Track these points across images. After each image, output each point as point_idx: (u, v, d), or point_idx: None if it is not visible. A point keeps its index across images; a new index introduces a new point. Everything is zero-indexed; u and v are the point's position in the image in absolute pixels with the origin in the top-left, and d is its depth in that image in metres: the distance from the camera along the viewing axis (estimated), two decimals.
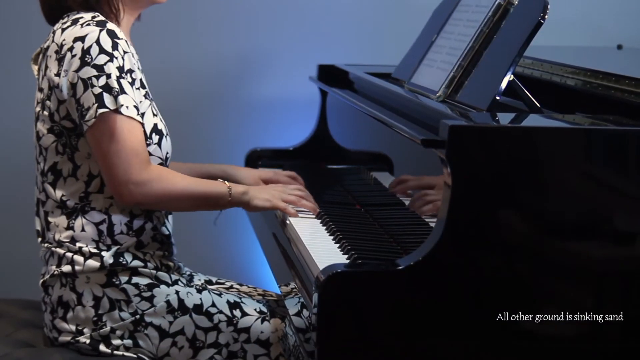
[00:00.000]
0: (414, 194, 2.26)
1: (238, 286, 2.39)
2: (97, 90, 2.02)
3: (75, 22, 2.09)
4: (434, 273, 1.81)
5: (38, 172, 2.17)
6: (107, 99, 2.02)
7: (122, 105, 2.03)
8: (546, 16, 2.06)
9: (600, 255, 1.86)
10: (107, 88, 2.02)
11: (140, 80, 2.13)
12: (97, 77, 2.02)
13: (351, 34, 3.39)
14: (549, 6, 2.07)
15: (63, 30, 2.09)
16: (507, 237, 1.83)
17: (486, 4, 2.24)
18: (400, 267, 1.80)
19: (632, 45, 3.22)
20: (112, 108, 2.02)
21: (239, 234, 3.38)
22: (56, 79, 2.07)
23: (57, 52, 2.08)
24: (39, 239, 2.19)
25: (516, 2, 2.19)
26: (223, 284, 2.38)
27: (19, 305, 2.42)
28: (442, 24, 2.44)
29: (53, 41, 2.10)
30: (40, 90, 2.14)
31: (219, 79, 3.40)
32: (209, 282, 2.36)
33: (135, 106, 2.05)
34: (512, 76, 2.07)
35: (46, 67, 2.11)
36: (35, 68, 2.21)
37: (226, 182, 2.20)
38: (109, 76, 2.03)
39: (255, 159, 2.99)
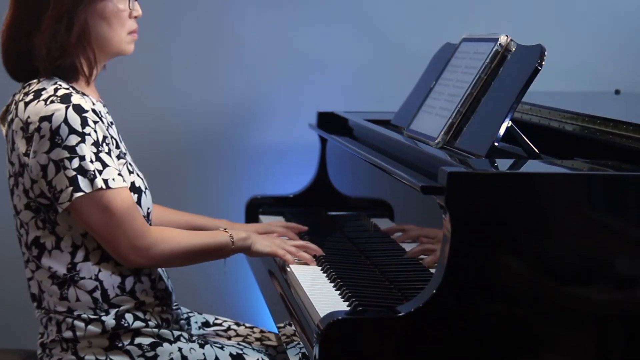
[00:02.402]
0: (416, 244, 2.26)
1: (236, 327, 2.38)
2: (71, 173, 1.97)
3: (37, 95, 2.01)
4: (434, 320, 1.81)
5: (22, 245, 2.12)
6: (82, 182, 1.97)
7: (106, 179, 1.98)
8: (543, 62, 2.08)
9: (601, 300, 1.86)
10: (81, 171, 1.97)
11: (115, 140, 2.09)
12: (70, 159, 1.97)
13: (350, 81, 3.41)
14: (546, 52, 2.09)
15: (26, 104, 2.01)
16: (507, 284, 1.83)
17: (484, 51, 2.25)
18: (401, 314, 1.80)
19: (630, 90, 3.23)
20: (87, 191, 1.97)
21: (237, 273, 3.37)
22: (25, 158, 2.01)
23: (22, 129, 2.01)
24: (35, 304, 2.14)
25: (513, 49, 2.21)
26: (221, 324, 2.38)
27: (18, 355, 2.41)
28: (440, 70, 2.45)
29: (17, 115, 2.03)
30: (11, 163, 2.07)
31: (219, 126, 3.40)
32: (206, 324, 2.35)
33: (119, 173, 2.02)
34: (510, 122, 2.08)
35: (13, 142, 2.04)
36: (3, 129, 2.14)
37: (227, 229, 2.19)
38: (82, 158, 1.97)
39: (255, 206, 2.99)
